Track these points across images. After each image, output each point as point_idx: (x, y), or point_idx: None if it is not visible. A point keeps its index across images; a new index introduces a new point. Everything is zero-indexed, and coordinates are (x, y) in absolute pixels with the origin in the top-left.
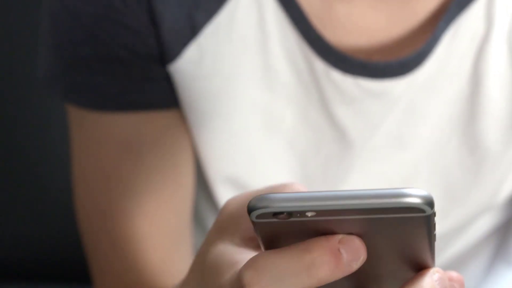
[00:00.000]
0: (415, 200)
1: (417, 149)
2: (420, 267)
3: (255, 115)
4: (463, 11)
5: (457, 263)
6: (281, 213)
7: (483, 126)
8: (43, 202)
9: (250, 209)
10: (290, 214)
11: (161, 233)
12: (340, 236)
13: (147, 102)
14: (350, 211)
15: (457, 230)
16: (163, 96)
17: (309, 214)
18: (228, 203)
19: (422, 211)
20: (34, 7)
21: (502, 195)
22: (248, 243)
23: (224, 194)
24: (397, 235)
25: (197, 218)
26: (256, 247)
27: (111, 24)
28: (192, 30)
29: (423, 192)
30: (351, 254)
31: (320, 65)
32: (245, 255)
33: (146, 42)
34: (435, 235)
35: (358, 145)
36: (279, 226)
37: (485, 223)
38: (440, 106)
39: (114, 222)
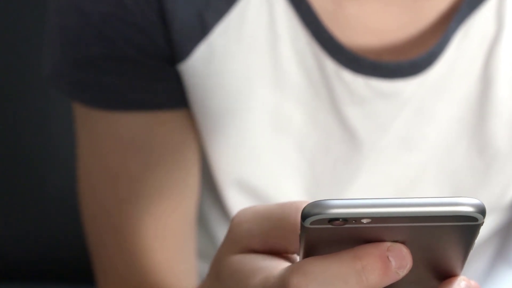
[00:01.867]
0: (470, 209)
1: (426, 151)
2: (447, 275)
3: (264, 116)
4: (474, 12)
5: None
6: (337, 219)
7: (493, 127)
8: (43, 202)
9: (305, 215)
10: (345, 220)
11: (166, 234)
12: (388, 244)
13: (155, 102)
14: (403, 218)
15: None
16: (172, 96)
17: (364, 220)
18: (239, 217)
19: (475, 219)
20: (35, 4)
21: (509, 197)
22: (262, 254)
23: (232, 196)
24: (439, 242)
25: (200, 219)
26: (273, 256)
27: (120, 23)
28: (202, 29)
29: (477, 201)
30: (399, 261)
31: (330, 65)
32: (268, 261)
33: (155, 42)
34: (474, 243)
35: (367, 146)
36: (328, 232)
37: (488, 224)
38: (449, 107)
39: (120, 222)
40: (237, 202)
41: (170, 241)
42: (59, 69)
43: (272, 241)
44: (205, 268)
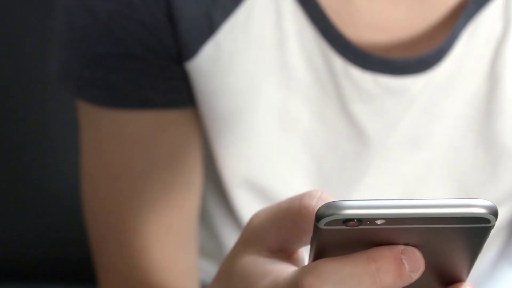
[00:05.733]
0: (483, 211)
1: (433, 149)
2: (453, 280)
3: (271, 114)
4: (481, 9)
5: None
6: (352, 220)
7: (500, 124)
8: (43, 202)
9: (320, 216)
10: (360, 221)
11: (168, 233)
12: (402, 247)
13: (162, 100)
14: (417, 219)
15: None
16: (179, 95)
17: (378, 222)
18: (254, 217)
19: (487, 221)
20: (35, 4)
21: None
22: (275, 255)
23: (239, 195)
24: (450, 245)
25: (204, 219)
26: (284, 258)
27: (128, 21)
28: (209, 28)
29: (489, 203)
30: (412, 265)
31: (338, 62)
32: (277, 265)
33: (163, 40)
34: (483, 247)
35: (375, 144)
36: (342, 234)
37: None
38: (457, 105)
39: (121, 221)
40: (244, 201)
41: (171, 241)
42: (66, 67)
43: (284, 233)
44: (209, 267)
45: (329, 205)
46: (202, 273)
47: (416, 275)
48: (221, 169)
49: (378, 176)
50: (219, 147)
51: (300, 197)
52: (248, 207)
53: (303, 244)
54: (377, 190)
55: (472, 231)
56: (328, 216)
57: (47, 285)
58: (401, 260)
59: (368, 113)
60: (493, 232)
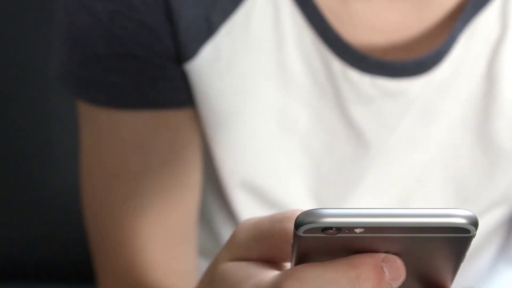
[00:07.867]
0: (462, 221)
1: (431, 151)
2: (437, 287)
3: (269, 115)
4: (479, 12)
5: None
6: (330, 228)
7: (497, 126)
8: (43, 203)
9: (299, 224)
10: (339, 229)
11: (166, 233)
12: (383, 255)
13: (161, 100)
14: (396, 228)
15: None
16: (177, 95)
17: (357, 230)
18: (237, 232)
19: (467, 231)
20: (35, 4)
21: None
22: (255, 262)
23: (238, 196)
24: (431, 254)
25: (205, 219)
26: (269, 266)
27: (128, 21)
28: (208, 29)
29: (469, 213)
30: (393, 273)
31: (337, 65)
32: (260, 269)
33: (162, 41)
34: (465, 255)
35: (373, 146)
36: (321, 241)
37: (493, 218)
38: (454, 107)
39: (119, 221)
40: (242, 202)
41: (169, 240)
42: (66, 68)
43: (265, 250)
44: None
45: (307, 213)
46: (201, 273)
47: (396, 284)
48: (220, 169)
49: (376, 178)
50: (217, 148)
51: (281, 220)
52: (247, 208)
53: (287, 260)
54: (375, 192)
55: (453, 241)
56: (306, 224)
57: (47, 285)
58: (382, 267)
59: (366, 115)
60: (490, 231)
